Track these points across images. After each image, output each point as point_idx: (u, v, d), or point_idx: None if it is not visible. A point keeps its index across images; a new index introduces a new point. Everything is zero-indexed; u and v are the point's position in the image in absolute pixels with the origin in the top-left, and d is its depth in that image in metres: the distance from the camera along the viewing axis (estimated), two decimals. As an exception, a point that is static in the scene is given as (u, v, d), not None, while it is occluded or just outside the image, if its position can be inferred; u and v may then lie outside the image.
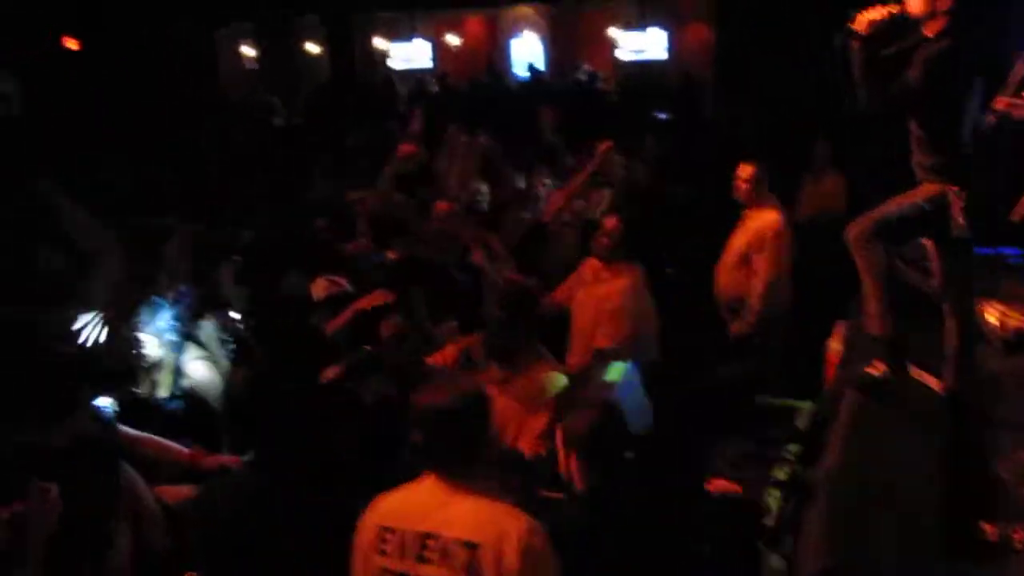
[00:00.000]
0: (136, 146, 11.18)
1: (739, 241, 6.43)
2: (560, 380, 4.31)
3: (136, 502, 3.55)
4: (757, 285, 6.28)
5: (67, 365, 3.71)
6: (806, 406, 4.72)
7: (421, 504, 2.87)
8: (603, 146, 6.68)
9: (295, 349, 4.97)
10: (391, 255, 5.76)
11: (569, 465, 3.66)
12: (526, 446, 4.06)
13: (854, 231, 4.53)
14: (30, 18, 16.64)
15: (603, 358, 4.94)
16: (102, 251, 4.85)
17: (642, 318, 5.65)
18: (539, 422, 4.14)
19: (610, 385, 4.11)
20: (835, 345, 5.41)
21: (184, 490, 3.96)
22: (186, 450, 4.19)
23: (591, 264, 5.83)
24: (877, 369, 4.49)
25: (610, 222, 5.77)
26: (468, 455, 2.87)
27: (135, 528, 3.50)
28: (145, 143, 11.40)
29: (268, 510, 3.92)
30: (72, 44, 18.00)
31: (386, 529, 2.89)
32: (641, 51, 21.09)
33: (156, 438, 4.15)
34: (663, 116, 14.56)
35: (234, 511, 3.91)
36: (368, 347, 4.85)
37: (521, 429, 4.16)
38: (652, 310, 5.75)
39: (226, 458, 4.31)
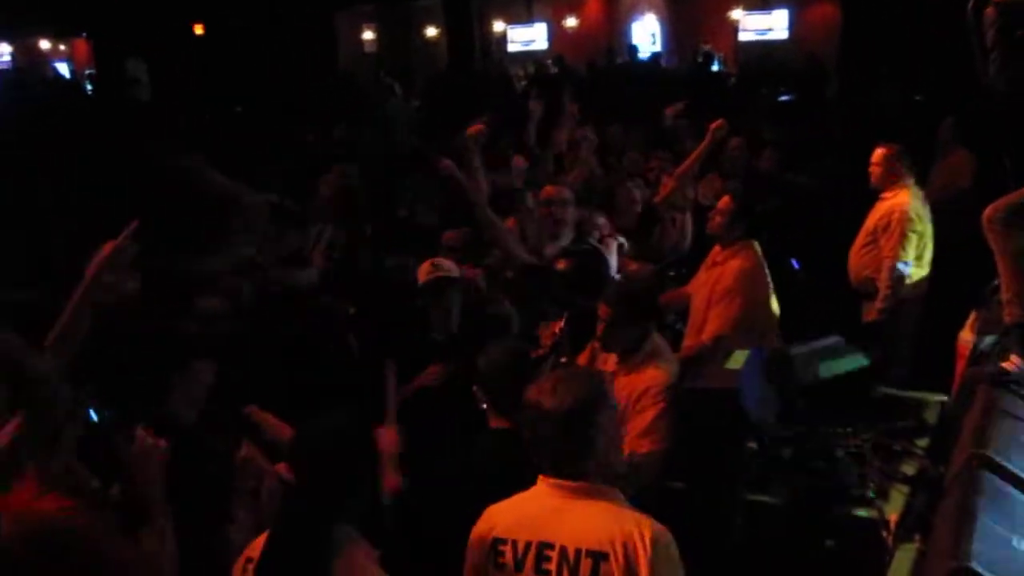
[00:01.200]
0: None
1: (870, 222, 6.31)
2: (671, 374, 4.18)
3: (256, 478, 3.60)
4: (883, 267, 6.12)
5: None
6: (935, 399, 4.54)
7: (536, 512, 2.69)
8: (715, 124, 6.50)
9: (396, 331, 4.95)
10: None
11: None
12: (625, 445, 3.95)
13: (989, 213, 4.34)
14: (159, 5, 17.15)
15: (721, 345, 4.82)
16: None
17: (758, 302, 5.42)
18: (642, 420, 4.02)
19: (731, 373, 4.00)
20: (967, 335, 5.20)
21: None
22: None
23: (714, 250, 5.70)
24: (1013, 363, 4.28)
25: (723, 201, 5.59)
26: (585, 457, 2.66)
27: (254, 505, 3.55)
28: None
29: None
30: (199, 29, 18.49)
31: (500, 540, 2.72)
32: (764, 32, 20.68)
33: (277, 421, 4.18)
34: (786, 98, 14.25)
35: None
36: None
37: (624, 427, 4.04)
38: (770, 295, 5.56)
39: None
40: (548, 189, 5.96)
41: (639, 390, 4.08)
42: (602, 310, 4.26)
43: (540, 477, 2.72)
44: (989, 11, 4.04)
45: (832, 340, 4.58)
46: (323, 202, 6.42)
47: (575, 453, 2.65)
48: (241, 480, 3.53)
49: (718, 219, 5.52)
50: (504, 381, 3.40)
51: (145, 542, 3.01)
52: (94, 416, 3.14)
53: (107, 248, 3.48)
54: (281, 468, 3.90)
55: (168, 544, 3.05)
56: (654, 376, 4.12)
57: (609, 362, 4.35)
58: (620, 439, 2.76)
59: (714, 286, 5.40)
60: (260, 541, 2.82)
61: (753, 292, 5.37)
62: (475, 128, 5.82)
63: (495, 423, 3.46)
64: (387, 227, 6.52)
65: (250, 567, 2.75)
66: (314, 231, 6.16)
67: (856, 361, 4.50)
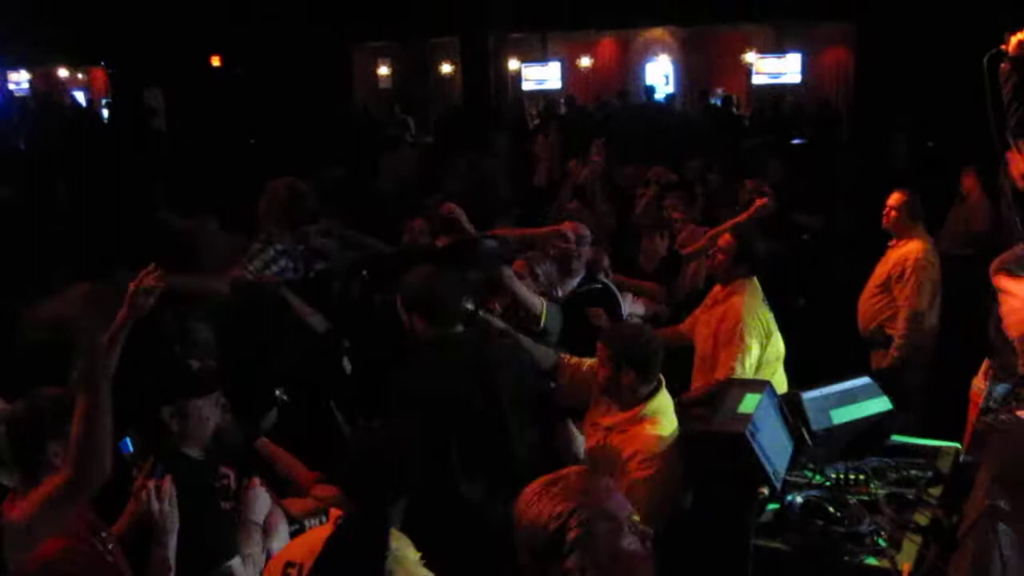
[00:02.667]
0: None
1: (882, 270, 6.30)
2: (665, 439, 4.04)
3: (260, 512, 3.59)
4: (900, 316, 6.11)
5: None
6: (949, 447, 4.51)
7: None
8: (759, 201, 6.53)
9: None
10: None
11: None
12: None
13: (997, 263, 4.36)
14: (177, 37, 17.30)
15: (732, 385, 4.78)
16: None
17: (765, 343, 5.30)
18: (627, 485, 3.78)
19: (744, 417, 3.96)
20: (980, 383, 5.18)
21: (308, 503, 3.97)
22: (308, 473, 4.15)
23: (714, 290, 5.67)
24: (1028, 410, 4.27)
25: (725, 239, 5.54)
26: None
27: (261, 539, 3.54)
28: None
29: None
30: (215, 61, 18.64)
31: None
32: (777, 75, 20.77)
33: (288, 455, 4.16)
34: (797, 141, 14.31)
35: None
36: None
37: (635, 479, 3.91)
38: (776, 337, 5.50)
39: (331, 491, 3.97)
40: (568, 225, 5.93)
41: (629, 452, 3.97)
42: (601, 350, 4.14)
43: None
44: (1004, 66, 4.06)
45: (851, 384, 4.54)
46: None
47: None
48: (248, 513, 3.52)
49: (720, 257, 5.48)
50: None
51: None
52: (129, 448, 3.17)
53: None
54: (290, 503, 3.91)
55: None
56: (646, 439, 3.99)
57: (609, 414, 4.22)
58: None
59: (719, 325, 5.34)
60: (297, 545, 2.95)
61: (761, 328, 5.29)
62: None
63: None
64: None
65: (292, 572, 2.83)
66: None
67: (875, 405, 4.46)
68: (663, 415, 4.11)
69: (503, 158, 9.07)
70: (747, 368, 5.12)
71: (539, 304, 5.14)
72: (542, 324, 5.10)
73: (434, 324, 4.04)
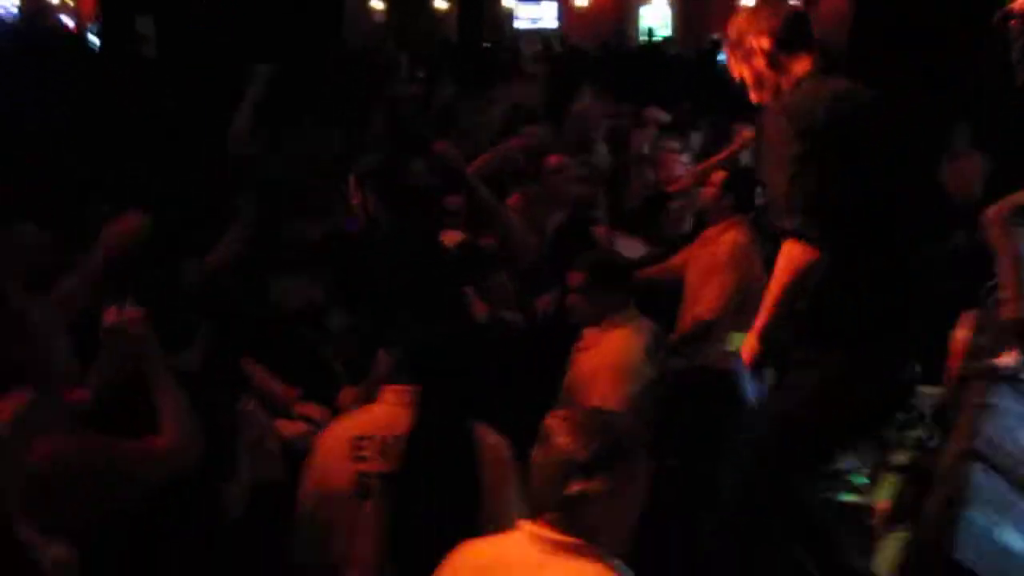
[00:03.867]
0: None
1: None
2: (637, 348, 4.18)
3: (259, 431, 3.62)
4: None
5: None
6: (930, 391, 4.58)
7: (513, 564, 2.26)
8: (745, 133, 6.49)
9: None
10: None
11: None
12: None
13: (992, 212, 4.39)
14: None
15: (719, 324, 4.84)
16: None
17: (753, 278, 5.17)
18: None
19: (729, 354, 4.03)
20: (961, 334, 5.23)
21: (300, 426, 3.99)
22: (286, 391, 4.12)
23: (707, 230, 5.67)
24: (1010, 357, 4.33)
25: (718, 175, 5.54)
26: (582, 508, 2.18)
27: (254, 462, 3.56)
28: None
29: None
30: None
31: None
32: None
33: (269, 375, 4.17)
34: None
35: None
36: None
37: (605, 392, 4.06)
38: (763, 273, 5.50)
39: (315, 410, 4.06)
40: (553, 159, 5.92)
41: (603, 364, 4.12)
42: (573, 278, 4.31)
43: (524, 522, 2.29)
44: (1014, 23, 4.07)
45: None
46: None
47: (573, 502, 2.18)
48: (245, 433, 3.55)
49: (710, 190, 5.49)
50: None
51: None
52: None
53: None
54: (281, 425, 3.93)
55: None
56: (618, 348, 4.16)
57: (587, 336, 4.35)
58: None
59: (708, 260, 5.34)
60: (359, 420, 3.10)
61: (748, 267, 5.25)
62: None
63: None
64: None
65: (366, 443, 2.96)
66: None
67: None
68: (639, 322, 4.33)
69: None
70: (729, 308, 5.09)
71: (531, 244, 5.20)
72: (526, 263, 5.15)
73: None
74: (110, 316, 2.94)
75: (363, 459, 3.01)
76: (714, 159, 6.60)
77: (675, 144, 7.34)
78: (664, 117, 8.60)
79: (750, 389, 3.96)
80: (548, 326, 4.96)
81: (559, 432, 2.22)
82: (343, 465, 3.03)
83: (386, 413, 3.11)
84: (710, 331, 5.01)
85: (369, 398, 3.62)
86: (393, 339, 3.38)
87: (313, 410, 4.00)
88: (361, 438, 3.02)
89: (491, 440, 3.10)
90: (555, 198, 5.77)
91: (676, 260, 5.69)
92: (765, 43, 3.45)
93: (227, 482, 3.30)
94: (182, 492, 3.06)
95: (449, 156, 5.20)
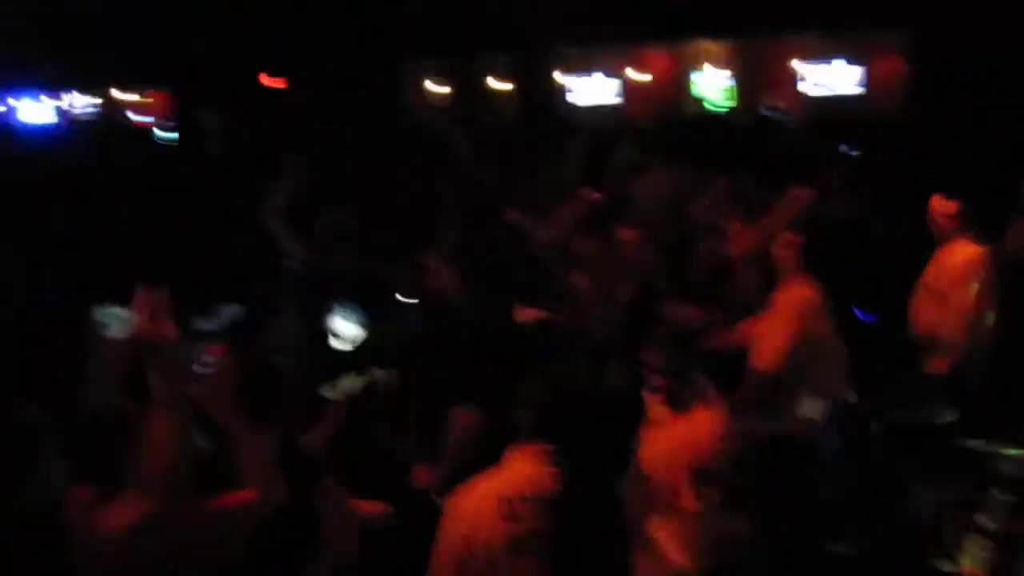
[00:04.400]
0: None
1: (934, 275, 6.24)
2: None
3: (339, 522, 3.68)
4: (955, 321, 6.05)
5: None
6: (1012, 452, 4.49)
7: None
8: (802, 193, 6.51)
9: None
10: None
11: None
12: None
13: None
14: (233, 57, 17.60)
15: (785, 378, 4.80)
16: None
17: (818, 333, 5.27)
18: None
19: (805, 420, 4.00)
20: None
21: (378, 505, 4.04)
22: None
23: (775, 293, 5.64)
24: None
25: (787, 235, 5.53)
26: None
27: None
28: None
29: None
30: (270, 81, 18.92)
31: None
32: (827, 85, 20.63)
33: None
34: (850, 150, 14.21)
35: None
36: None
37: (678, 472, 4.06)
38: (835, 339, 5.39)
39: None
40: (625, 230, 5.95)
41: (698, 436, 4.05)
42: (651, 359, 4.26)
43: None
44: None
45: (910, 390, 4.55)
46: None
47: None
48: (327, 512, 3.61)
49: (781, 253, 5.47)
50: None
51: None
52: None
53: None
54: (359, 504, 3.98)
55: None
56: (710, 419, 4.10)
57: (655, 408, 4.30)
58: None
59: (771, 315, 5.31)
60: (501, 481, 3.17)
61: (812, 320, 5.24)
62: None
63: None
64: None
65: (517, 504, 3.07)
66: None
67: (938, 414, 4.47)
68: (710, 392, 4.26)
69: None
70: (792, 361, 5.04)
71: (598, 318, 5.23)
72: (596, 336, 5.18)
73: None
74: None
75: (514, 519, 3.11)
76: (772, 223, 6.61)
77: (737, 212, 7.34)
78: (724, 186, 8.62)
79: (829, 454, 3.92)
80: (621, 398, 4.97)
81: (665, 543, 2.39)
82: (493, 525, 3.12)
83: (527, 472, 3.22)
84: (776, 390, 4.94)
85: (449, 471, 3.76)
86: (524, 401, 3.41)
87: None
88: (509, 499, 3.12)
89: None
90: (625, 270, 5.80)
91: (740, 331, 5.66)
92: None
93: (311, 562, 3.35)
94: (270, 570, 3.13)
95: (520, 226, 5.30)
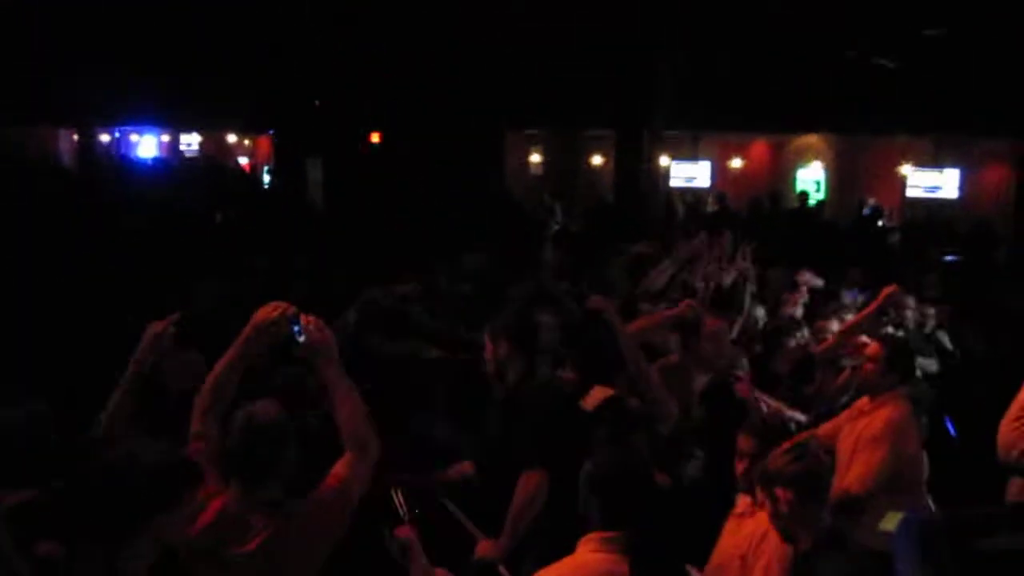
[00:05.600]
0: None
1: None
2: None
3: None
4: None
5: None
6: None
7: None
8: (888, 289, 6.41)
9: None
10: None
11: None
12: None
13: None
14: (341, 113, 18.04)
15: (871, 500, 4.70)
16: None
17: (907, 455, 5.19)
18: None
19: (884, 535, 3.88)
20: None
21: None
22: None
23: (861, 401, 5.54)
24: None
25: (873, 348, 5.40)
26: None
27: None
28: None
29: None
30: (375, 138, 19.33)
31: None
32: (933, 189, 20.37)
33: None
34: (951, 258, 13.99)
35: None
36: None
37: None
38: (920, 450, 5.34)
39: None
40: (712, 323, 5.91)
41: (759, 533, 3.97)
42: (745, 442, 4.21)
43: None
44: None
45: (999, 509, 4.38)
46: None
47: None
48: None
49: (870, 366, 5.36)
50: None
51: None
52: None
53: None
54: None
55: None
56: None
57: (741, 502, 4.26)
58: None
59: (861, 433, 5.20)
60: (573, 568, 3.20)
61: (902, 444, 5.16)
62: None
63: None
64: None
65: None
66: None
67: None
68: None
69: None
70: (879, 483, 4.99)
71: (672, 406, 5.16)
72: (669, 426, 5.12)
73: None
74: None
75: None
76: (860, 315, 6.51)
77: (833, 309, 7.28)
78: (817, 281, 8.54)
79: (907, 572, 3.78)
80: (695, 491, 4.90)
81: None
82: None
83: (602, 561, 3.20)
84: (862, 506, 4.86)
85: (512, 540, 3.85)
86: (590, 486, 3.37)
87: None
88: None
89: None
90: (704, 362, 5.74)
91: (826, 428, 5.56)
92: None
93: None
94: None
95: (604, 311, 5.27)
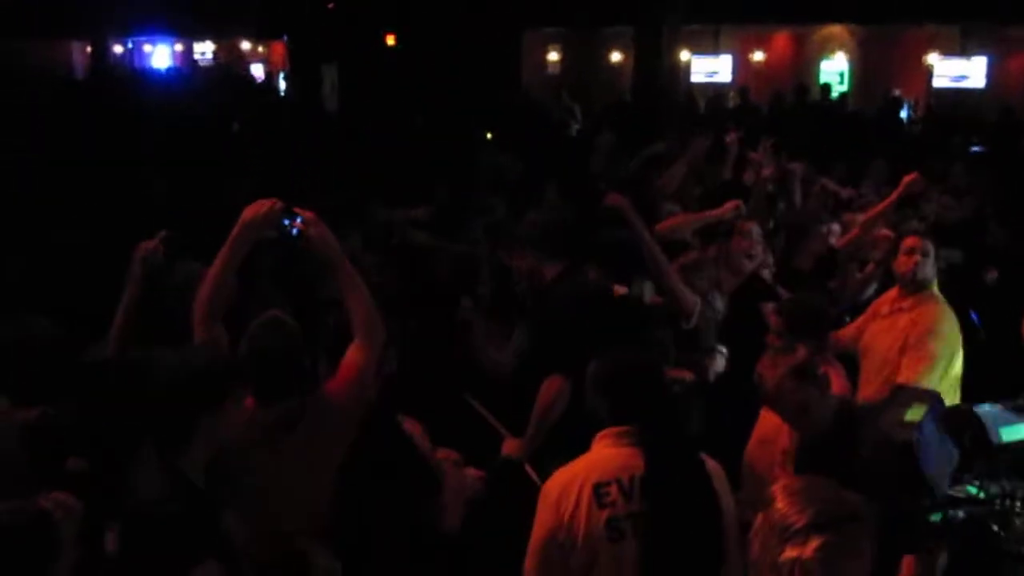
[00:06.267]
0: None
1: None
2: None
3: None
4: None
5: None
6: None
7: None
8: (908, 177, 6.27)
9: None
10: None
11: None
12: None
13: None
14: (355, 15, 17.78)
15: (903, 395, 4.68)
16: None
17: (953, 353, 5.13)
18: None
19: (909, 424, 3.88)
20: None
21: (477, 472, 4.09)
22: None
23: (888, 296, 5.45)
24: None
25: (913, 241, 5.24)
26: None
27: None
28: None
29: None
30: (390, 40, 19.09)
31: None
32: (960, 79, 19.96)
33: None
34: (976, 149, 13.77)
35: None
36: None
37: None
38: (961, 353, 5.24)
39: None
40: (746, 224, 5.83)
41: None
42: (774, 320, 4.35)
43: None
44: None
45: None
46: None
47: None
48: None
49: (916, 258, 5.18)
50: None
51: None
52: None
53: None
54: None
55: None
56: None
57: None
58: None
59: (907, 331, 5.09)
60: (591, 467, 3.20)
61: (954, 340, 5.13)
62: None
63: None
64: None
65: (612, 488, 3.12)
66: None
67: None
68: None
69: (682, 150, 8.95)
70: (931, 382, 4.93)
71: (693, 302, 5.15)
72: (692, 322, 5.11)
73: None
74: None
75: (611, 504, 3.11)
76: (882, 205, 6.42)
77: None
78: (832, 185, 8.39)
79: (929, 462, 3.78)
80: (721, 387, 4.91)
81: (779, 498, 2.34)
82: (591, 512, 3.12)
83: (616, 456, 3.22)
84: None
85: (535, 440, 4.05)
86: (596, 386, 3.39)
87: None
88: (603, 484, 3.12)
89: (712, 464, 3.32)
90: (733, 263, 5.70)
91: (849, 330, 5.50)
92: None
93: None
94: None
95: (623, 209, 5.21)
